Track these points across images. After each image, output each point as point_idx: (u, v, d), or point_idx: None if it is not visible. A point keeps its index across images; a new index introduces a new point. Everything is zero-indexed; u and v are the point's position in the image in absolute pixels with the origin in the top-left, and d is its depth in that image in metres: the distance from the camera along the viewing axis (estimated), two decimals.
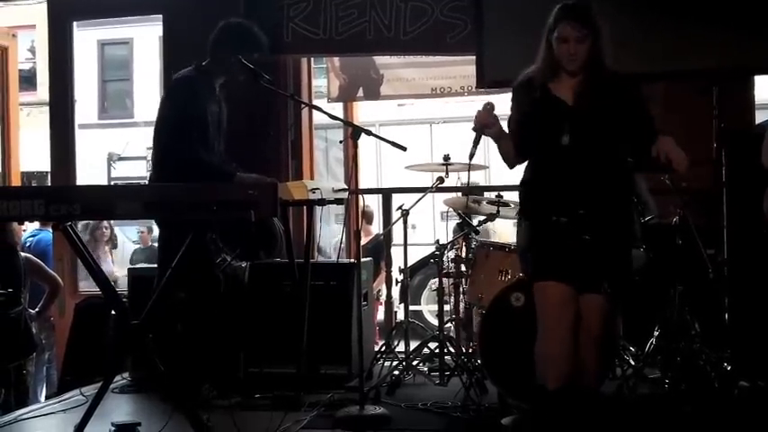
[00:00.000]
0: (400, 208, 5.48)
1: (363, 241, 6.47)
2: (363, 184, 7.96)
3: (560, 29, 3.62)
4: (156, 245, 8.66)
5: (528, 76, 3.76)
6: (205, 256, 4.66)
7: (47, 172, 7.86)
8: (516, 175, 3.90)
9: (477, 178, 8.99)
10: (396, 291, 6.29)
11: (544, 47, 3.69)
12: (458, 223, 5.55)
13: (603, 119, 3.62)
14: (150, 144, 4.95)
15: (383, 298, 6.61)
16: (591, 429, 3.63)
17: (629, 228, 3.87)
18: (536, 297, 3.72)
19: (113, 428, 4.00)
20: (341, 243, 5.23)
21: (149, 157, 13.90)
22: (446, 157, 5.32)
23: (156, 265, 4.92)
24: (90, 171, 13.79)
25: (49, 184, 7.97)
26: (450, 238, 5.62)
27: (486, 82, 6.04)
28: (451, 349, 5.19)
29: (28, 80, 16.76)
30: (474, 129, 3.79)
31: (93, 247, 10.40)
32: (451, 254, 5.44)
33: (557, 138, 3.64)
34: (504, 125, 3.77)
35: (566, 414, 3.56)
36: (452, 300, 5.50)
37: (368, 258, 5.88)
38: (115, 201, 3.72)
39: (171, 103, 4.82)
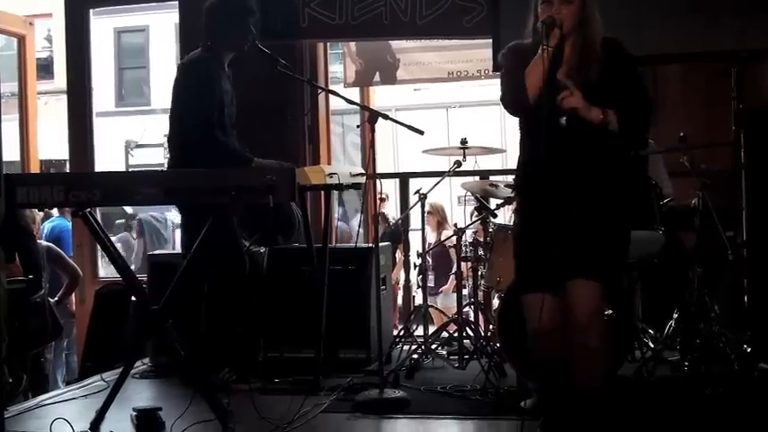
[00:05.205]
0: (418, 192, 5.48)
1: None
2: (380, 168, 7.92)
3: None
4: None
5: (523, 47, 3.50)
6: (233, 240, 4.68)
7: (65, 160, 7.89)
8: None
9: (495, 162, 8.98)
10: (414, 275, 6.30)
11: (532, 21, 3.48)
12: (475, 207, 5.54)
13: (599, 90, 3.35)
14: (167, 131, 4.94)
15: (401, 282, 6.62)
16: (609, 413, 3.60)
17: (626, 210, 3.53)
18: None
19: (134, 413, 4.02)
20: (359, 227, 5.22)
21: (166, 144, 13.98)
22: (463, 141, 5.31)
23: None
24: (108, 158, 13.81)
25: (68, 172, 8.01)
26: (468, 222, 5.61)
27: None
28: (470, 333, 5.20)
29: (45, 68, 16.84)
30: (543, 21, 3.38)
31: None
32: (470, 237, 5.44)
33: (554, 118, 3.34)
34: None
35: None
36: (471, 283, 5.50)
37: (386, 243, 5.88)
38: (134, 186, 3.74)
39: (187, 85, 4.79)
